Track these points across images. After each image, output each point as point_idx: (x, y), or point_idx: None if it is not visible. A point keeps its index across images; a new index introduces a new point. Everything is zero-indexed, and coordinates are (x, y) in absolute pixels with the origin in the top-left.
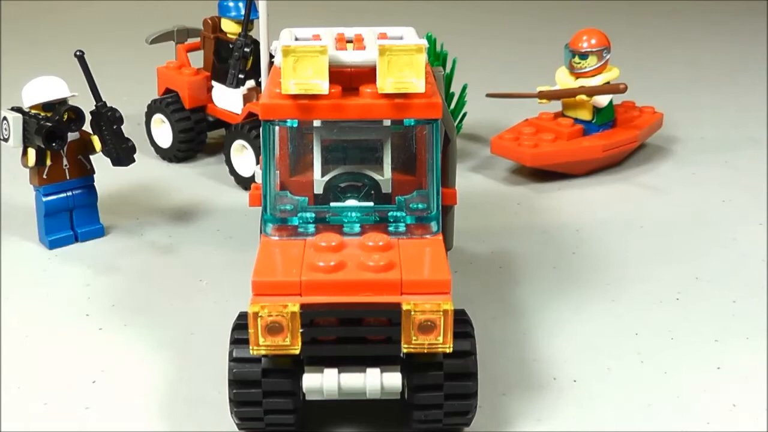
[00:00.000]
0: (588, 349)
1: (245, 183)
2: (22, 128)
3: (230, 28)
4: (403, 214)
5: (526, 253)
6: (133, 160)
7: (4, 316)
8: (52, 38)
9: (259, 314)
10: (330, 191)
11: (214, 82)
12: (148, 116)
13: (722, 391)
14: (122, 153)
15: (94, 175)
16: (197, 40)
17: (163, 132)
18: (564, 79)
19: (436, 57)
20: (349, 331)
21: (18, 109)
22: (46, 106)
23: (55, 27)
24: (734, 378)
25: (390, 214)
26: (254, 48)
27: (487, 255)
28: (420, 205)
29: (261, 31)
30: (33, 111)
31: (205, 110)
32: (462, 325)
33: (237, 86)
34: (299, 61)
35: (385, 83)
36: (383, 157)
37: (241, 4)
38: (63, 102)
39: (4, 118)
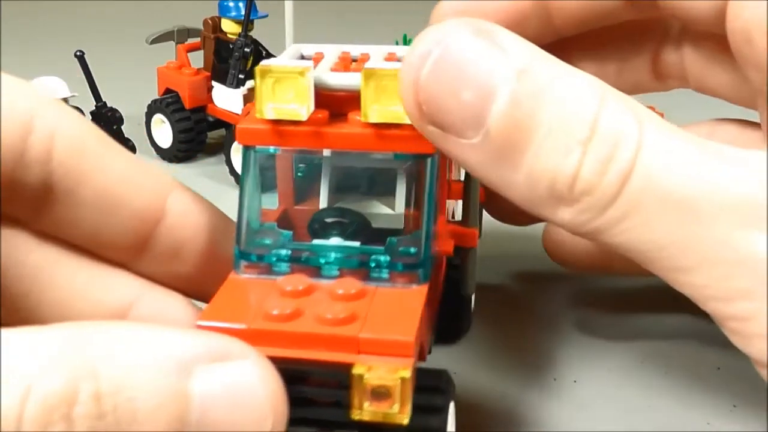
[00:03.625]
0: (588, 350)
1: None
2: None
3: (230, 28)
4: (387, 258)
5: (527, 253)
6: None
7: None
8: (52, 38)
9: None
10: (314, 227)
11: (214, 82)
12: (148, 116)
13: (722, 391)
14: None
15: None
16: (197, 40)
17: (163, 132)
18: None
19: None
20: (292, 390)
21: None
22: None
23: (55, 27)
24: (734, 378)
25: (372, 258)
26: (254, 48)
27: (491, 257)
28: (411, 249)
29: (287, 31)
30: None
31: (205, 110)
32: (433, 396)
33: (237, 86)
34: (279, 82)
35: (370, 111)
36: (395, 190)
37: (241, 4)
38: (63, 102)
39: None
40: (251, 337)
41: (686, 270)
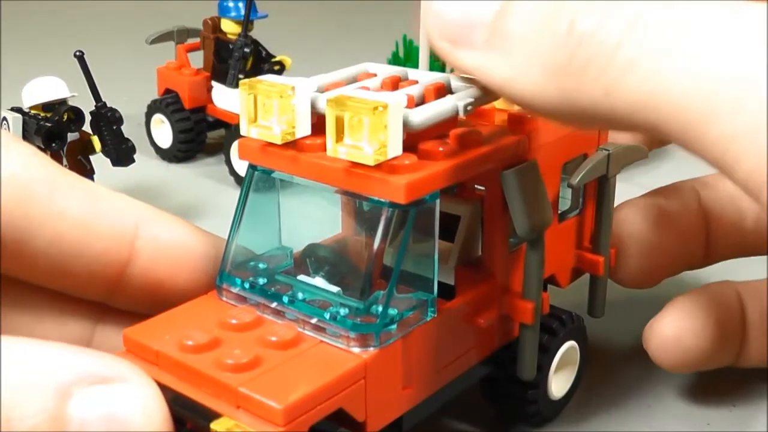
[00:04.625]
0: (589, 350)
1: None
2: (21, 129)
3: (230, 28)
4: (345, 312)
5: None
6: (133, 160)
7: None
8: (52, 38)
9: None
10: (305, 261)
11: (214, 82)
12: (148, 116)
13: (722, 391)
14: (122, 153)
15: (94, 175)
16: (197, 40)
17: (163, 132)
18: None
19: (436, 57)
20: (176, 427)
21: (18, 110)
22: (46, 107)
23: (55, 27)
24: (734, 378)
25: (329, 309)
26: (254, 48)
27: None
28: (379, 308)
29: (421, 38)
30: (33, 111)
31: (205, 110)
32: None
33: (237, 86)
34: (267, 99)
35: (333, 146)
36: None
37: (241, 4)
38: (63, 102)
39: (4, 119)
40: (161, 359)
41: (710, 118)
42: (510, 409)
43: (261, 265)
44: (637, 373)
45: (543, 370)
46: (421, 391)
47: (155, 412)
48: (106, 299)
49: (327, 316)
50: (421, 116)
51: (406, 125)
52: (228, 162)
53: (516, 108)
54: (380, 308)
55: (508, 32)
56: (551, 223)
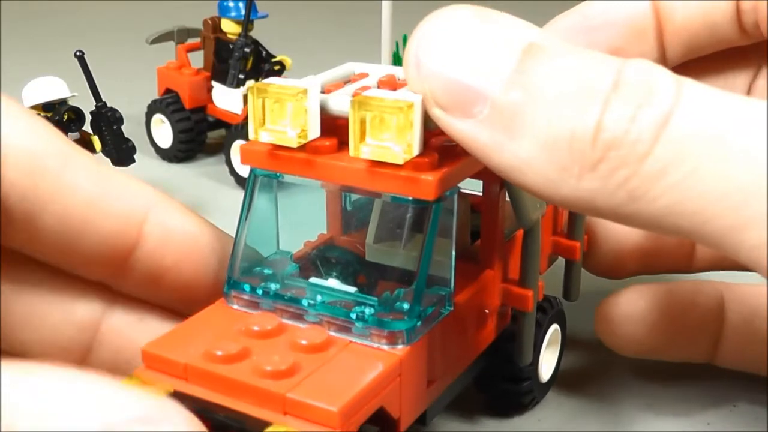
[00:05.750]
0: (589, 350)
1: (245, 183)
2: None
3: (230, 28)
4: (372, 311)
5: None
6: (133, 160)
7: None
8: (52, 38)
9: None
10: (315, 263)
11: (214, 83)
12: (148, 116)
13: (722, 391)
14: (122, 153)
15: None
16: (197, 40)
17: (163, 132)
18: None
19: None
20: None
21: None
22: (46, 107)
23: (55, 27)
24: (734, 378)
25: (354, 309)
26: (254, 48)
27: None
28: (404, 306)
29: (384, 32)
30: (33, 111)
31: (205, 110)
32: None
33: (237, 86)
34: (277, 103)
35: (356, 146)
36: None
37: (241, 4)
38: (63, 102)
39: None
40: (190, 373)
41: (748, 224)
42: (505, 396)
43: (267, 271)
44: (635, 372)
45: (535, 353)
46: (442, 383)
47: None
48: (109, 281)
49: (354, 316)
50: None
51: (426, 124)
52: (228, 162)
53: None
54: (405, 305)
55: (518, 114)
56: (545, 212)
